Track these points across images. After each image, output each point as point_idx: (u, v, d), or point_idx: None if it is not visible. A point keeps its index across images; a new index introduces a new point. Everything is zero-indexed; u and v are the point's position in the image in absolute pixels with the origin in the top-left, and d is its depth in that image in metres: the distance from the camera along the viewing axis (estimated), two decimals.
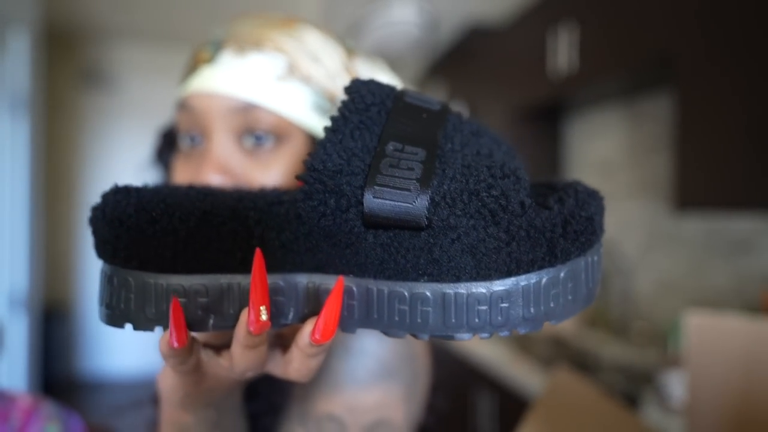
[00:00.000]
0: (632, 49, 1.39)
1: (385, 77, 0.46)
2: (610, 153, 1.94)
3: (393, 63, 3.27)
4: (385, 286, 0.25)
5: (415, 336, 0.25)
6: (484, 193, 0.24)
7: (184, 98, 0.40)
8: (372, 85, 0.30)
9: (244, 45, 0.39)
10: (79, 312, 3.73)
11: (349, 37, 2.86)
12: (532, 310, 0.24)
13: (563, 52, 1.66)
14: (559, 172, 2.21)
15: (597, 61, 1.53)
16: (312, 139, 0.41)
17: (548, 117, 2.16)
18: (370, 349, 0.41)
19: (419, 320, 0.24)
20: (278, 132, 0.39)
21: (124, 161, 3.77)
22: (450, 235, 0.24)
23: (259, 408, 0.43)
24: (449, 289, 0.24)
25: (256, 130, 0.39)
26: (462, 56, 2.58)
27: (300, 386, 0.41)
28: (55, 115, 3.68)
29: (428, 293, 0.24)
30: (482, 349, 1.61)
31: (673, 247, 1.64)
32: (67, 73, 3.71)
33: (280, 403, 0.43)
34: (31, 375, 1.94)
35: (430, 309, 0.24)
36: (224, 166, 0.38)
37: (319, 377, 0.40)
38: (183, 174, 0.41)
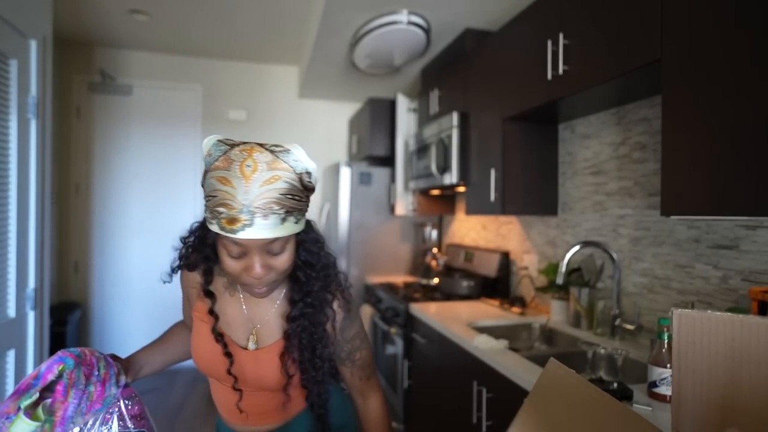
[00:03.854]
0: (621, 57, 1.44)
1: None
2: (602, 157, 2.00)
3: (390, 68, 3.29)
4: None
5: None
6: None
7: (236, 239, 0.74)
8: None
9: (266, 212, 0.72)
10: (93, 310, 3.78)
11: (349, 44, 2.90)
12: None
13: (555, 59, 1.72)
14: (553, 176, 2.27)
15: (588, 69, 1.58)
16: (296, 235, 0.83)
17: (541, 122, 2.21)
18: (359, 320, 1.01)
19: None
20: (283, 244, 0.79)
21: (133, 164, 3.83)
22: None
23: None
24: None
25: (274, 250, 0.79)
26: (456, 62, 2.63)
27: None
28: (67, 119, 3.72)
29: None
30: (481, 345, 1.67)
31: (662, 246, 1.71)
32: (80, 78, 3.75)
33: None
34: None
35: None
36: (263, 264, 0.78)
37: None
38: (236, 267, 0.79)
